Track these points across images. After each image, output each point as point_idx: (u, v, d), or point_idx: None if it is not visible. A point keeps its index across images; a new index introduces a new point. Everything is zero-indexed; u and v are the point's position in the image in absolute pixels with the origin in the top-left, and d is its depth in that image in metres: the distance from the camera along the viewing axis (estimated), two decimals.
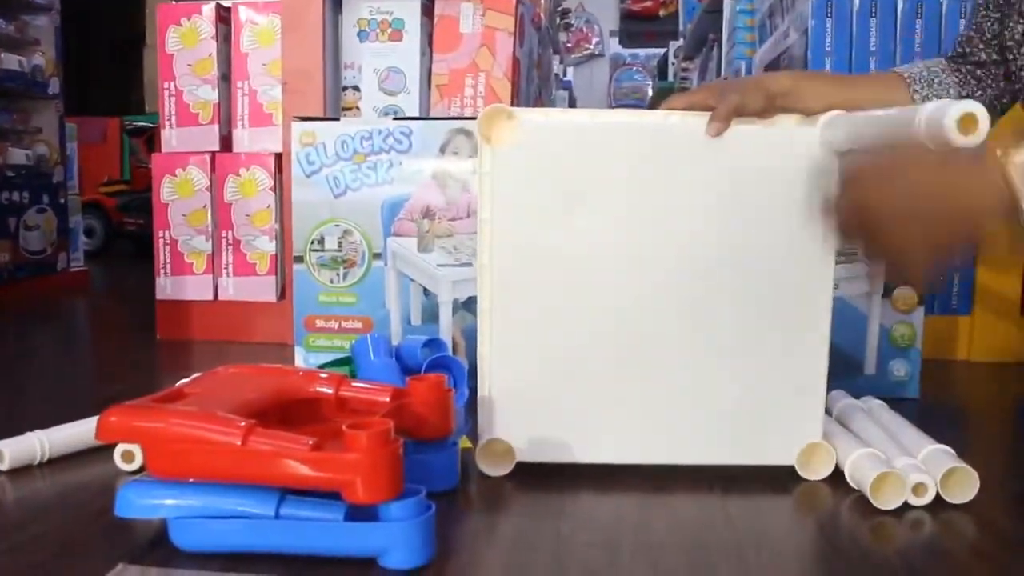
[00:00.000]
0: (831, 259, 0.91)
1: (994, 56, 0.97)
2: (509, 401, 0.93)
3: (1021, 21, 0.92)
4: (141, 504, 0.71)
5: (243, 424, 0.68)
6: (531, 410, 0.93)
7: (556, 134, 0.91)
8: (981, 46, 0.98)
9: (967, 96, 1.00)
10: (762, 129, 0.91)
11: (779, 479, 0.91)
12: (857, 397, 1.09)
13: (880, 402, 1.07)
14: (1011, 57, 0.94)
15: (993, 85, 0.98)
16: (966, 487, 0.84)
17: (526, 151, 0.90)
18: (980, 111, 0.67)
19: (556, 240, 0.91)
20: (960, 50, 1.01)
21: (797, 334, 0.92)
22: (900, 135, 0.73)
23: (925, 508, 0.83)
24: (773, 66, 2.01)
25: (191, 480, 0.70)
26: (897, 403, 0.95)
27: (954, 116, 0.66)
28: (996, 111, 1.02)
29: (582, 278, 0.91)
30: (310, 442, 0.66)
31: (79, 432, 0.98)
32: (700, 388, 0.92)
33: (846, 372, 1.23)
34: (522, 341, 0.92)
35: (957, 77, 1.00)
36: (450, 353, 1.10)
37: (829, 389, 0.94)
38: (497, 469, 0.92)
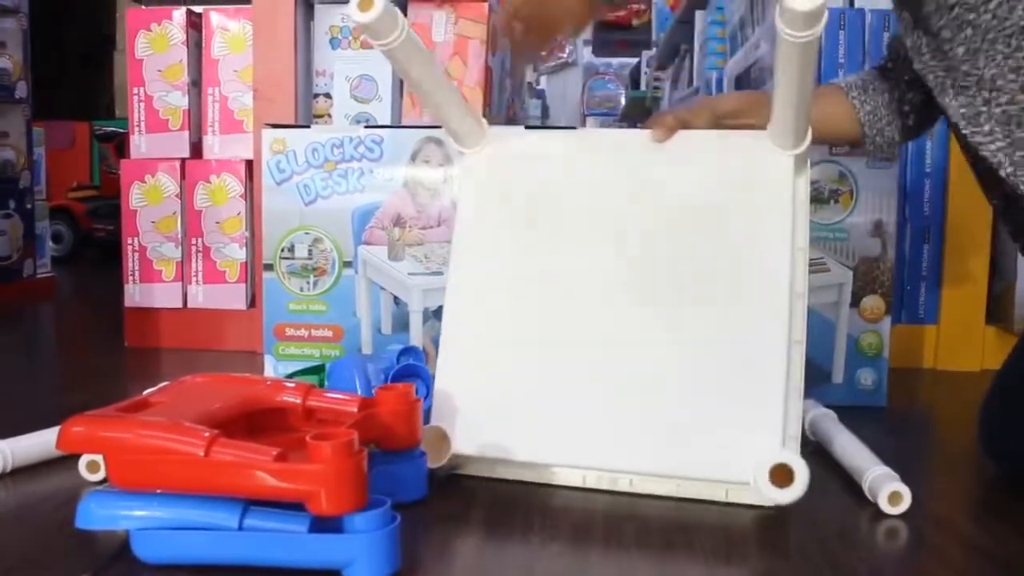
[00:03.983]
0: (787, 256, 0.89)
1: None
2: (458, 404, 0.93)
3: (918, 30, 0.93)
4: (102, 515, 0.70)
5: (206, 434, 0.67)
6: (479, 413, 0.93)
7: (523, 151, 0.97)
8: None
9: (899, 98, 1.04)
10: (716, 139, 0.95)
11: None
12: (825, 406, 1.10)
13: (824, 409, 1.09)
14: (919, 67, 0.94)
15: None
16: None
17: (491, 166, 0.97)
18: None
19: (515, 249, 0.95)
20: (889, 54, 1.06)
21: (755, 340, 0.88)
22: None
23: (888, 516, 0.84)
24: (745, 76, 2.03)
25: (154, 491, 0.70)
26: (864, 411, 0.96)
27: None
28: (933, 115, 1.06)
29: (532, 285, 0.94)
30: (274, 453, 0.66)
31: (43, 442, 0.96)
32: (656, 398, 0.89)
33: (814, 381, 1.24)
34: (475, 352, 0.94)
35: (889, 83, 1.04)
36: (424, 362, 1.09)
37: None
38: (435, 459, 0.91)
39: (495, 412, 0.92)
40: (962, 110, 0.86)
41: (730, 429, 0.86)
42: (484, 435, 0.92)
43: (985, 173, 0.92)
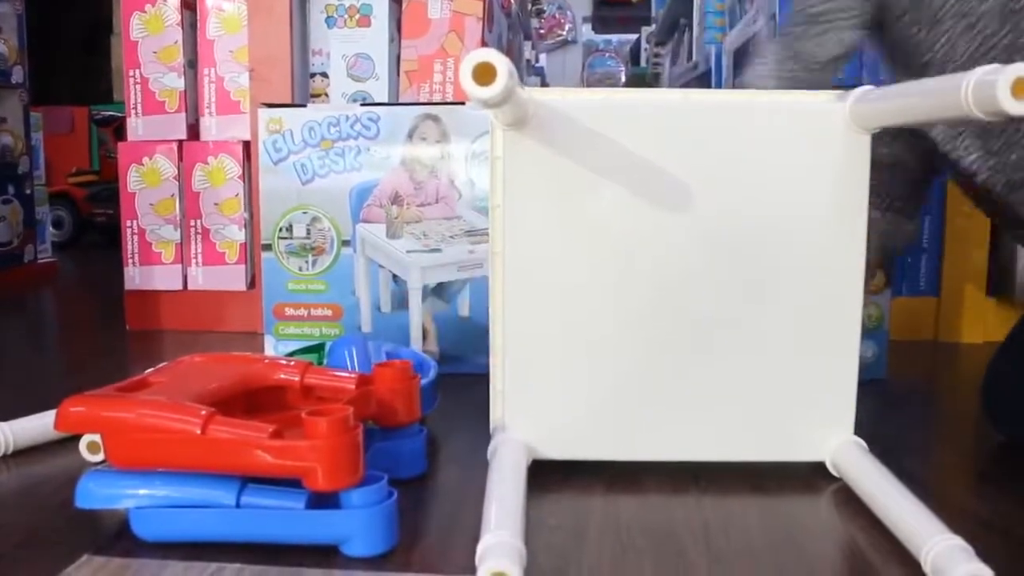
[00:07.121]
0: (862, 242, 0.87)
1: None
2: (524, 395, 0.88)
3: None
4: (101, 494, 0.70)
5: (203, 412, 0.67)
6: (547, 405, 0.88)
7: (571, 114, 0.84)
8: None
9: None
10: (787, 105, 0.86)
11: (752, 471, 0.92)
12: None
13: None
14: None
15: None
16: None
17: (540, 133, 0.84)
18: None
19: (572, 226, 0.86)
20: None
21: (827, 324, 0.88)
22: (943, 106, 0.67)
23: None
24: (743, 51, 2.01)
25: (152, 470, 0.70)
26: (864, 384, 0.96)
27: (1008, 79, 0.58)
28: None
29: (600, 266, 0.86)
30: (270, 430, 0.66)
31: (45, 423, 0.97)
32: (725, 380, 0.88)
33: None
34: (537, 332, 0.87)
35: None
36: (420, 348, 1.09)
37: None
38: None
39: (570, 413, 0.88)
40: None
41: (805, 411, 0.89)
42: (560, 439, 0.88)
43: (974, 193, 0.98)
